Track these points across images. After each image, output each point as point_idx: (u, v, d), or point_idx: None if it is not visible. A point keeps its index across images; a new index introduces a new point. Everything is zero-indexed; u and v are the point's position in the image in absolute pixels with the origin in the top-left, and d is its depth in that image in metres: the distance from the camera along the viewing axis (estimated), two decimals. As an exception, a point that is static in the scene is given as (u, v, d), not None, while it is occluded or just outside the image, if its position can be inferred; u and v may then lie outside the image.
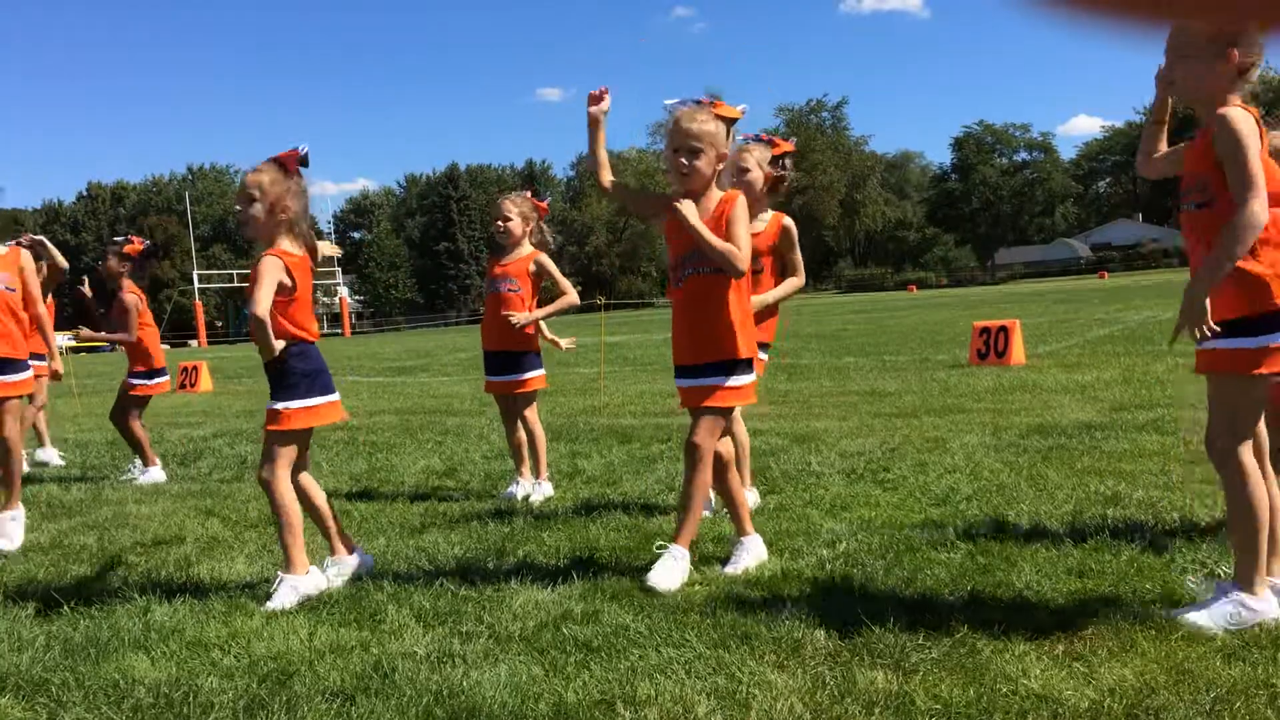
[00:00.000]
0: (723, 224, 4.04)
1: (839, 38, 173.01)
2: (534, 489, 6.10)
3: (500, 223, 6.15)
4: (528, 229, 6.17)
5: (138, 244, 7.93)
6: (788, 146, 5.44)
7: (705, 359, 4.10)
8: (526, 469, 6.25)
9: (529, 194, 6.35)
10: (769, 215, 5.40)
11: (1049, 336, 16.85)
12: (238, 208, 4.23)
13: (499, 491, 6.33)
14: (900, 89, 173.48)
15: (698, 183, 4.08)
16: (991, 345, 12.92)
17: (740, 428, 5.26)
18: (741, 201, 4.10)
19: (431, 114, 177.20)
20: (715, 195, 4.13)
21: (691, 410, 4.17)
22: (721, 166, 4.13)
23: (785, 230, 5.38)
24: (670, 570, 3.99)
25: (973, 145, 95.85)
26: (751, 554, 4.24)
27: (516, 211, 6.15)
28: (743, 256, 4.02)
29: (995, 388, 10.13)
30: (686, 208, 4.01)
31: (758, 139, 5.43)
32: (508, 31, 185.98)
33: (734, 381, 4.08)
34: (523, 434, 6.22)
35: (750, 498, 5.32)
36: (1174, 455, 6.00)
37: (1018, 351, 12.70)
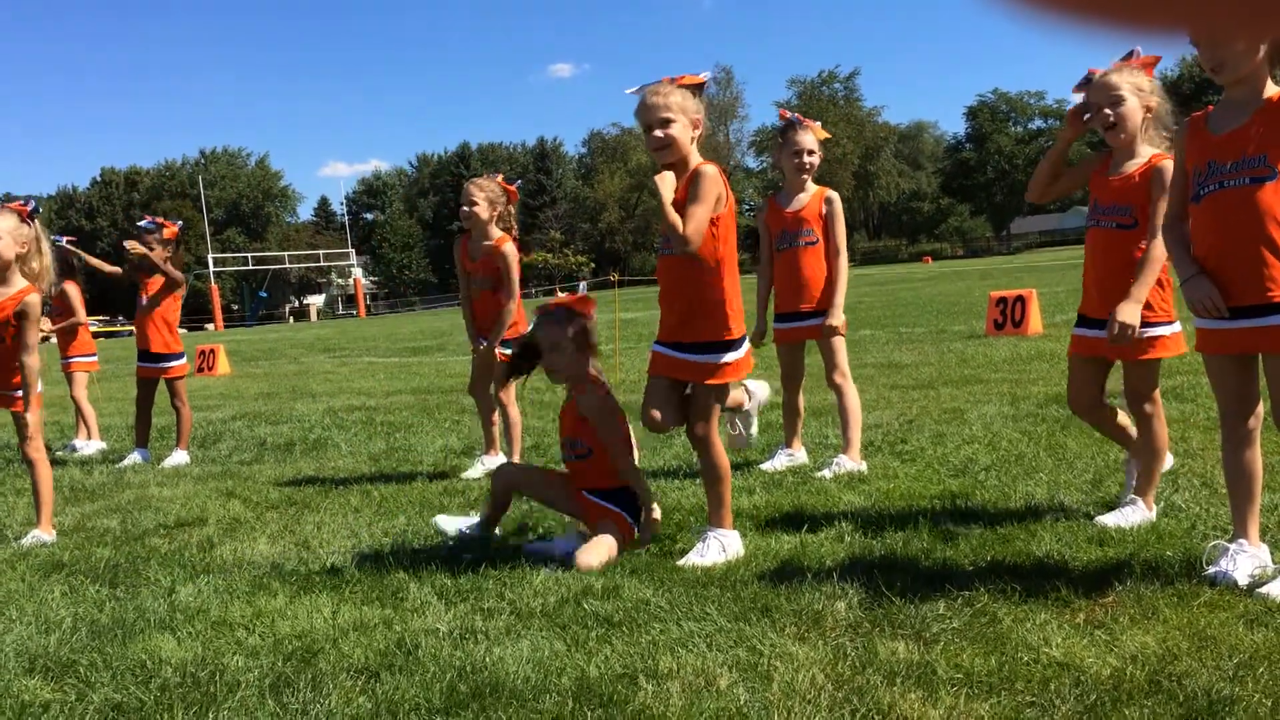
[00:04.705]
0: (686, 193, 3.95)
1: (851, 7, 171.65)
2: None
3: (466, 207, 6.14)
4: (494, 213, 6.16)
5: (173, 226, 7.97)
6: (824, 134, 5.79)
7: (686, 339, 4.05)
8: (496, 449, 6.37)
9: (499, 177, 6.35)
10: (814, 189, 5.71)
11: (1066, 305, 16.74)
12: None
13: (460, 474, 6.32)
14: (913, 59, 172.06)
15: (677, 151, 4.00)
16: (1008, 315, 12.86)
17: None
18: (708, 175, 3.94)
19: (443, 93, 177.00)
20: (692, 164, 4.03)
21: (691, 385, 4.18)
22: (698, 132, 4.03)
23: (827, 201, 5.68)
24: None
25: (987, 114, 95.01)
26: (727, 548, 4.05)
27: (483, 196, 6.12)
28: (686, 235, 3.86)
29: (1012, 358, 10.09)
30: (662, 180, 3.95)
31: (798, 121, 5.65)
32: (518, 7, 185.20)
33: (727, 358, 4.03)
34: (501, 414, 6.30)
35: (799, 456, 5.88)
36: (1194, 422, 5.97)
37: (1035, 321, 12.64)
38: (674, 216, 3.89)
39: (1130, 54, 4.08)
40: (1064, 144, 4.20)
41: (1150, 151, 4.02)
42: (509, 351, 6.20)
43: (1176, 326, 4.04)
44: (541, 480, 4.57)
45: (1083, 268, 4.23)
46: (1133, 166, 4.02)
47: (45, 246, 5.27)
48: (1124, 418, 4.25)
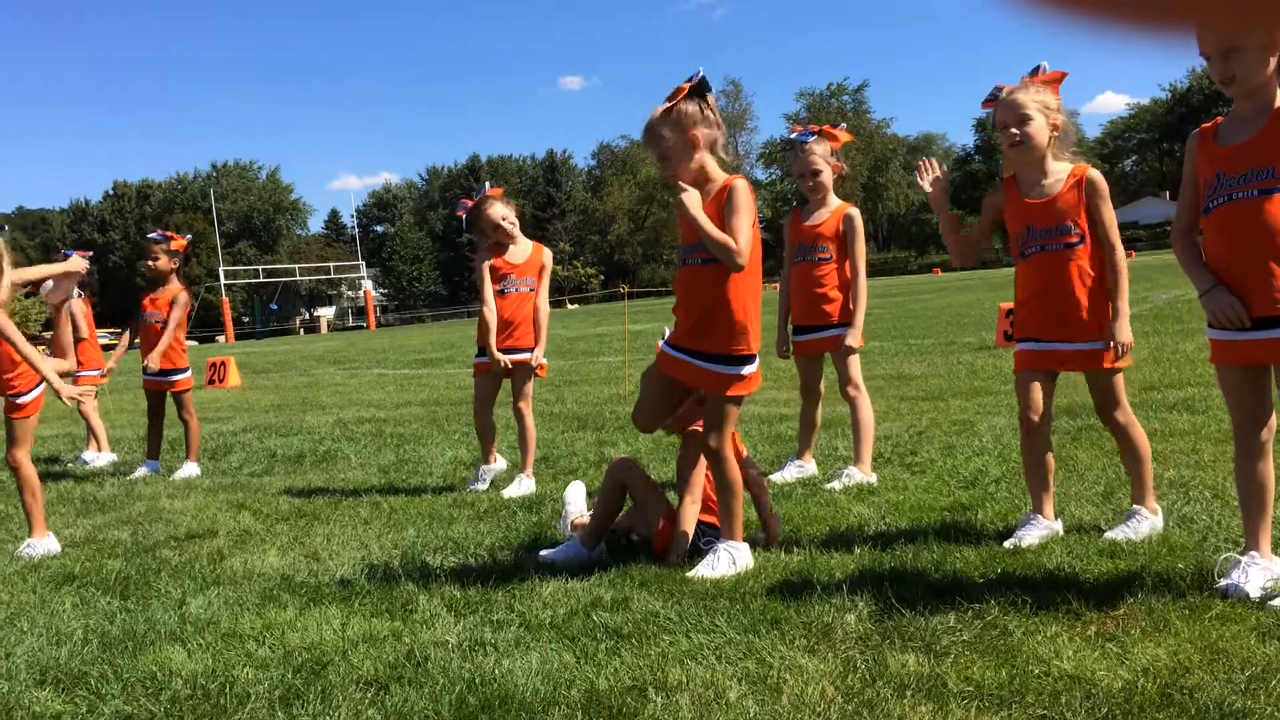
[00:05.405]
0: (719, 210, 3.94)
1: (860, 20, 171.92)
2: (516, 483, 6.10)
3: (507, 226, 6.21)
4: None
5: (181, 240, 8.02)
6: (846, 138, 5.67)
7: (703, 346, 4.02)
8: (494, 455, 6.42)
9: (488, 188, 6.45)
10: (835, 204, 5.69)
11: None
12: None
13: (463, 485, 6.34)
14: (921, 71, 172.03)
15: (682, 170, 3.99)
16: (1018, 327, 12.80)
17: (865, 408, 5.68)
18: (740, 188, 3.96)
19: (452, 106, 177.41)
20: (717, 180, 4.05)
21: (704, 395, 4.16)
22: (702, 151, 4.02)
23: (846, 219, 5.65)
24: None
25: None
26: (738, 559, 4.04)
27: (507, 209, 6.27)
28: (738, 249, 3.86)
29: (1022, 369, 10.05)
30: (689, 197, 3.93)
31: (814, 134, 5.60)
32: (529, 20, 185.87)
33: (746, 370, 4.02)
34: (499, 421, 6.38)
35: (808, 469, 5.92)
36: (1205, 434, 5.95)
37: (1045, 332, 12.58)
38: (720, 235, 3.87)
39: (1036, 70, 4.08)
40: (942, 208, 4.42)
41: (1067, 167, 4.05)
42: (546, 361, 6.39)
43: None
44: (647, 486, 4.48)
45: (1021, 293, 4.19)
46: (1059, 185, 4.04)
47: (5, 267, 5.13)
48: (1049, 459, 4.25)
